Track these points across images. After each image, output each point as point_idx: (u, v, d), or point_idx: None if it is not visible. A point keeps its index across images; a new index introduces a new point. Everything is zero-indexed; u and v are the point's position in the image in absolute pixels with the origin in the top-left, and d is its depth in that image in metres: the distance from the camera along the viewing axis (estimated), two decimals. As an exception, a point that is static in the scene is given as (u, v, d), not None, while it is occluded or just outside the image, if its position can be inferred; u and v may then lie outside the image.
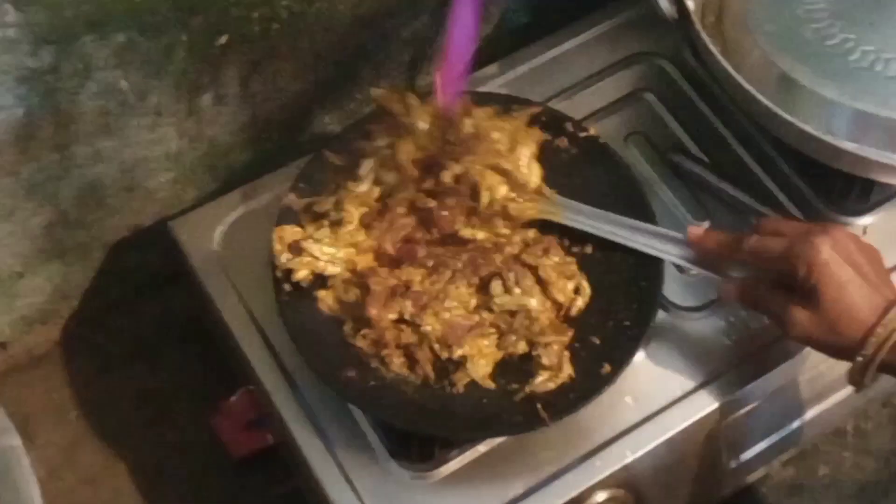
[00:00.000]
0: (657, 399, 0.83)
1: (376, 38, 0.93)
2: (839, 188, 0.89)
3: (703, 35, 0.85)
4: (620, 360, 0.80)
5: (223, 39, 0.84)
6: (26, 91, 0.77)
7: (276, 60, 0.89)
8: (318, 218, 0.85)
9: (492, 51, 1.00)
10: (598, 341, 0.82)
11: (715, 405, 0.83)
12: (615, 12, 1.00)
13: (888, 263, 0.87)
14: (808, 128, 0.81)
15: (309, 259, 0.82)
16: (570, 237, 0.86)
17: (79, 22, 0.75)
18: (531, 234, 0.85)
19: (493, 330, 0.82)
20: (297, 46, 0.89)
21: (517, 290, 0.83)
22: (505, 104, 0.88)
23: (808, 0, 0.88)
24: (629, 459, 0.81)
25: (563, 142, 0.89)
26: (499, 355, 0.82)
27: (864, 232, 0.89)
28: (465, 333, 0.81)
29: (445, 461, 0.81)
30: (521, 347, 0.82)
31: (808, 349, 0.84)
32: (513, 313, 0.83)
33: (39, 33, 0.74)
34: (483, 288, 0.83)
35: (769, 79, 0.85)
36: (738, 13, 0.89)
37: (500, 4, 0.99)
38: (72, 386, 0.99)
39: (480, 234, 0.85)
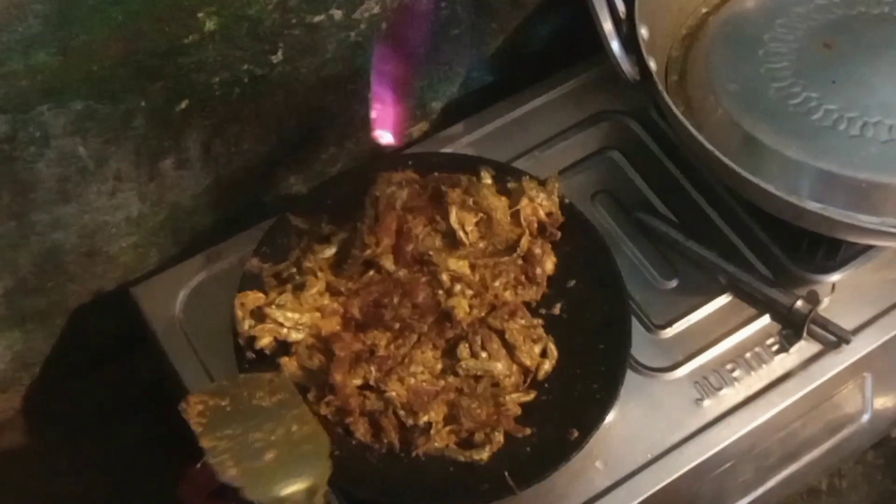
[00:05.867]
0: (627, 463, 0.81)
1: (339, 99, 0.92)
2: (806, 246, 0.89)
3: (665, 95, 0.85)
4: (589, 425, 0.79)
5: (183, 105, 0.83)
6: (-19, 160, 0.76)
7: (238, 124, 0.88)
8: (281, 282, 0.84)
9: (457, 110, 1.00)
10: (566, 405, 0.81)
11: (686, 468, 0.82)
12: (580, 71, 1.00)
13: (858, 321, 0.87)
14: (771, 188, 0.81)
15: (272, 325, 0.81)
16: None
17: (34, 91, 0.74)
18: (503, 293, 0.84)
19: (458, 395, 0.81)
20: (260, 110, 0.88)
21: (483, 355, 0.82)
22: (468, 166, 0.88)
23: (770, 59, 0.88)
24: (599, 526, 0.79)
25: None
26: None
27: (833, 289, 0.88)
28: (431, 399, 0.80)
29: (413, 531, 0.79)
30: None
31: (781, 407, 0.83)
32: (477, 378, 0.81)
33: (-6, 102, 0.73)
34: (449, 352, 0.82)
35: (732, 138, 0.85)
36: (700, 73, 0.89)
37: (464, 65, 0.98)
38: (34, 454, 0.97)
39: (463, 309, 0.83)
